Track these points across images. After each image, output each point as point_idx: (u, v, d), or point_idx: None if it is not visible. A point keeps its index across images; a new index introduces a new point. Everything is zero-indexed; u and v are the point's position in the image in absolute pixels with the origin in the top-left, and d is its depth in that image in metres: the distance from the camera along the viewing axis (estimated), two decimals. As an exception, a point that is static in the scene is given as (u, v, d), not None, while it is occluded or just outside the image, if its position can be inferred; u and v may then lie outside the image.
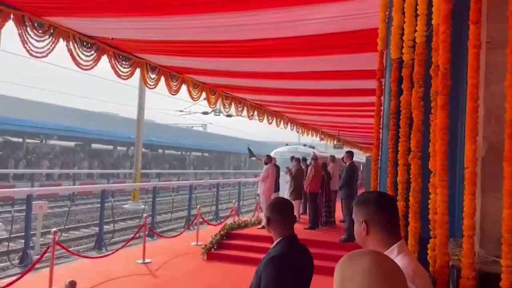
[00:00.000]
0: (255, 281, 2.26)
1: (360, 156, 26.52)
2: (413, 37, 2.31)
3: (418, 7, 2.23)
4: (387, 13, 2.77)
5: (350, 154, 9.98)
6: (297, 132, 19.18)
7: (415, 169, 2.19)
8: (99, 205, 14.64)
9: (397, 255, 1.64)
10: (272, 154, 13.78)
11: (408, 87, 2.34)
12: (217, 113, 24.63)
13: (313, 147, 23.02)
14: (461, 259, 1.82)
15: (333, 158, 12.19)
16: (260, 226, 10.31)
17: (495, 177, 1.91)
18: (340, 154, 13.89)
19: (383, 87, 2.72)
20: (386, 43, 2.74)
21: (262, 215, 10.76)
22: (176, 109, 32.41)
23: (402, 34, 2.45)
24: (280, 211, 2.37)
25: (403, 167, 2.32)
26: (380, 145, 2.69)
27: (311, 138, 22.56)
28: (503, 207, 1.64)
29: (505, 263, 1.60)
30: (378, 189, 2.68)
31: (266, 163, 10.97)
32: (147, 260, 7.88)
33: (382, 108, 2.71)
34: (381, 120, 2.70)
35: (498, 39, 1.96)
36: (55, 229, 6.67)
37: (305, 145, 24.24)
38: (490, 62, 1.96)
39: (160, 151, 46.09)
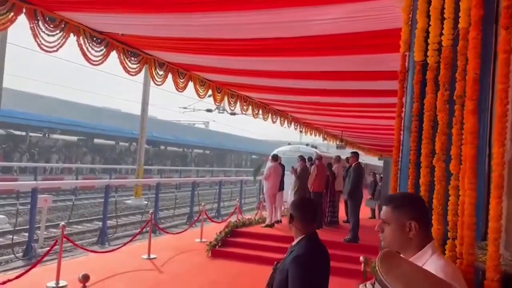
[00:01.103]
0: (279, 277, 2.30)
1: (362, 157, 26.53)
2: (439, 40, 2.33)
3: (444, 10, 2.25)
4: (410, 15, 2.79)
5: (356, 154, 9.99)
6: (300, 131, 19.17)
7: (440, 172, 2.21)
8: (101, 200, 14.73)
9: (432, 254, 1.67)
10: (276, 154, 13.80)
11: (433, 89, 2.35)
12: (221, 111, 24.62)
13: (316, 147, 23.04)
14: (485, 261, 1.84)
15: (338, 159, 12.21)
16: (264, 225, 10.33)
17: (521, 181, 1.93)
18: (343, 154, 13.91)
19: (404, 89, 2.74)
20: (409, 46, 2.76)
21: (266, 214, 10.79)
22: (179, 106, 32.35)
23: (426, 37, 2.47)
24: (305, 210, 2.43)
25: (425, 169, 2.34)
26: (401, 147, 2.71)
27: (313, 138, 22.57)
28: (530, 211, 1.66)
29: (533, 266, 1.62)
30: (398, 191, 2.70)
31: (271, 162, 11.01)
32: (152, 256, 7.92)
33: (403, 109, 2.73)
34: (402, 121, 2.72)
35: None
36: (63, 222, 6.70)
37: (307, 144, 24.29)
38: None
39: (162, 147, 46.12)
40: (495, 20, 2.25)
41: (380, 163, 31.11)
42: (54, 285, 5.91)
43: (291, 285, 2.20)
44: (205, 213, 10.51)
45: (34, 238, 9.18)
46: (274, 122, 14.99)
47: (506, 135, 1.77)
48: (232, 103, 11.72)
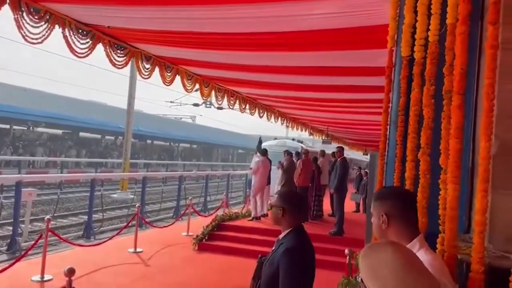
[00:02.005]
0: (269, 270, 2.31)
1: (347, 152, 26.74)
2: (425, 36, 2.35)
3: (431, 6, 2.27)
4: (397, 11, 2.81)
5: (341, 149, 10.07)
6: (287, 126, 19.22)
7: (424, 166, 2.24)
8: (86, 194, 14.58)
9: (419, 249, 1.70)
10: (266, 148, 13.83)
11: (419, 84, 2.38)
12: (208, 105, 24.53)
13: (301, 142, 23.14)
14: (469, 254, 1.88)
15: (323, 153, 12.29)
16: (250, 218, 10.37)
17: (505, 175, 1.97)
18: (328, 149, 14.01)
19: (391, 84, 2.76)
20: (396, 41, 2.78)
21: (251, 208, 10.82)
22: (166, 100, 32.15)
23: (413, 33, 2.49)
24: (296, 202, 2.45)
25: (411, 163, 2.37)
26: (387, 141, 2.74)
27: (299, 133, 22.66)
28: (514, 204, 1.69)
29: (516, 258, 1.66)
30: (383, 184, 2.74)
31: (259, 157, 11.04)
32: (138, 249, 7.89)
33: (389, 104, 2.76)
34: (389, 116, 2.75)
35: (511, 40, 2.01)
36: (48, 216, 6.62)
37: (293, 139, 24.36)
38: (504, 63, 2.01)
39: (149, 141, 45.81)
40: (480, 16, 2.28)
41: (364, 158, 31.44)
42: (39, 279, 5.85)
43: (284, 277, 2.21)
44: (192, 207, 10.49)
45: (19, 232, 9.06)
46: (261, 117, 15.00)
47: (492, 129, 1.80)
48: (219, 97, 11.69)
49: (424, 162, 2.25)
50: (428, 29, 2.33)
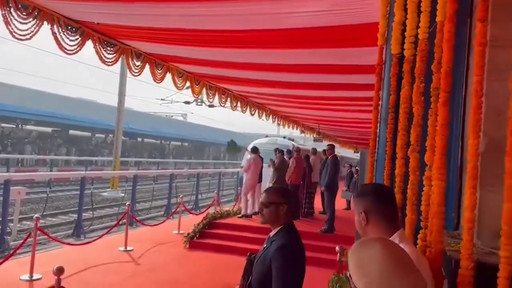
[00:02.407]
0: (261, 267, 2.30)
1: (338, 150, 26.87)
2: (415, 33, 2.36)
3: (421, 4, 2.28)
4: (387, 8, 2.81)
5: (332, 147, 10.11)
6: (278, 124, 19.22)
7: (414, 163, 2.25)
8: (76, 192, 14.48)
9: (398, 243, 1.71)
10: (257, 146, 13.84)
11: (409, 82, 2.39)
12: (199, 103, 24.45)
13: (293, 140, 23.18)
14: (458, 250, 1.89)
15: (314, 151, 12.32)
16: (240, 215, 10.37)
17: (493, 172, 1.98)
18: (319, 147, 14.06)
19: (381, 81, 2.77)
20: (386, 39, 2.79)
21: (242, 205, 10.82)
22: (157, 98, 32.01)
23: (403, 30, 2.50)
24: (290, 199, 2.44)
25: (401, 160, 2.38)
26: (377, 138, 2.75)
27: (290, 131, 22.69)
28: (502, 200, 1.70)
29: (504, 254, 1.66)
30: (373, 182, 2.74)
31: (250, 154, 11.06)
32: (129, 248, 7.85)
33: (380, 102, 2.76)
34: (379, 114, 2.75)
35: (500, 38, 2.02)
36: (37, 215, 6.55)
37: (284, 137, 24.39)
38: (492, 60, 2.02)
39: (139, 139, 45.57)
40: (470, 14, 2.29)
41: (355, 156, 31.59)
42: (28, 278, 5.80)
43: (277, 275, 2.20)
44: (183, 205, 10.46)
45: (7, 230, 8.98)
46: (252, 115, 14.97)
47: (480, 127, 1.81)
48: (210, 95, 11.65)
49: (414, 159, 2.26)
50: (418, 27, 2.34)
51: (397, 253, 1.29)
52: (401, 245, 1.72)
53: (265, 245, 2.42)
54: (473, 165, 1.79)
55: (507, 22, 1.90)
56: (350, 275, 1.31)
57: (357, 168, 14.19)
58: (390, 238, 1.74)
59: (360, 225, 1.84)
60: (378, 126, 2.77)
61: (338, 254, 5.63)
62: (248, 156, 11.14)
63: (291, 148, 14.41)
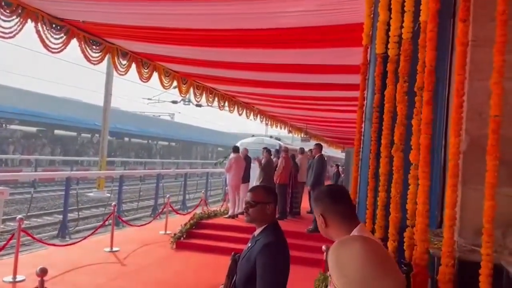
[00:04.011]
0: (246, 266, 2.29)
1: (325, 150, 27.00)
2: (399, 33, 2.38)
3: (405, 3, 2.30)
4: (372, 8, 2.83)
5: (319, 146, 10.14)
6: (266, 124, 19.24)
7: (398, 161, 2.27)
8: (62, 193, 14.28)
9: None
10: (238, 145, 13.82)
11: (393, 81, 2.41)
12: (186, 103, 24.34)
13: (279, 139, 23.20)
14: (441, 248, 1.91)
15: (302, 151, 12.35)
16: (227, 216, 10.35)
17: (474, 170, 2.01)
18: (307, 147, 14.10)
19: (366, 81, 2.78)
20: (371, 38, 2.80)
21: (229, 205, 10.81)
22: (144, 97, 31.80)
23: (387, 30, 2.52)
24: (275, 198, 2.44)
25: (385, 159, 2.40)
26: (362, 137, 2.76)
27: (278, 130, 22.72)
28: (483, 198, 1.72)
29: (485, 252, 1.69)
30: (358, 180, 2.76)
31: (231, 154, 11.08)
32: (115, 249, 7.78)
33: (365, 101, 2.78)
34: (364, 113, 2.77)
35: (482, 38, 2.05)
36: (20, 215, 6.45)
37: (271, 136, 24.38)
38: (474, 60, 2.05)
39: (126, 139, 45.19)
40: (453, 14, 2.32)
41: (342, 155, 31.75)
42: (11, 280, 5.71)
43: (262, 273, 2.19)
44: (170, 205, 10.40)
45: (-10, 232, 8.84)
46: (240, 115, 14.97)
47: (462, 125, 1.83)
48: (197, 94, 11.61)
49: (398, 158, 2.28)
50: (402, 27, 2.36)
51: (377, 252, 1.29)
52: None
53: (249, 244, 2.42)
54: (454, 163, 1.81)
55: (487, 22, 1.92)
56: (329, 274, 1.31)
57: (344, 167, 14.27)
58: (351, 234, 1.79)
59: (321, 227, 1.90)
60: (363, 125, 2.79)
61: (325, 253, 5.65)
62: (231, 155, 11.14)
63: (278, 148, 14.43)
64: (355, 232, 1.81)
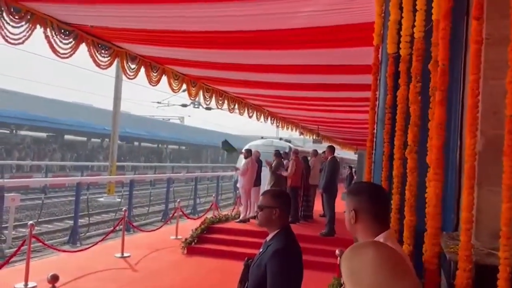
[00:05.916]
0: (256, 272, 2.26)
1: (338, 152, 26.82)
2: (411, 32, 2.33)
3: (417, 2, 2.25)
4: (383, 7, 2.79)
5: (332, 148, 10.04)
6: (277, 126, 19.17)
7: (412, 163, 2.22)
8: (72, 198, 14.37)
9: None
10: (246, 148, 13.78)
11: (405, 81, 2.36)
12: (196, 106, 24.37)
13: (290, 141, 23.04)
14: (457, 252, 1.86)
15: (315, 153, 12.25)
16: (238, 220, 10.30)
17: (491, 172, 1.95)
18: (319, 149, 13.99)
19: (378, 81, 2.74)
20: (381, 38, 2.76)
21: (241, 209, 10.76)
22: (153, 101, 31.94)
23: (399, 29, 2.47)
24: (287, 202, 2.41)
25: (398, 161, 2.34)
26: (374, 139, 2.71)
27: (289, 132, 22.62)
28: (500, 200, 1.67)
29: (503, 255, 1.63)
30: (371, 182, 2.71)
31: (245, 157, 10.96)
32: (126, 254, 7.77)
33: (377, 102, 2.73)
34: (376, 114, 2.72)
35: (496, 36, 1.99)
36: (31, 222, 6.49)
37: (281, 138, 24.25)
38: (488, 59, 1.99)
39: (136, 143, 45.42)
40: (466, 12, 2.26)
41: (355, 157, 31.53)
42: (23, 286, 5.72)
43: (272, 279, 2.15)
44: (181, 209, 10.39)
45: (2, 238, 8.90)
46: (250, 117, 14.93)
47: (477, 126, 1.78)
48: (207, 97, 11.59)
49: (412, 160, 2.23)
50: (413, 26, 2.31)
51: (391, 258, 1.24)
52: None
53: (261, 250, 2.38)
54: (470, 165, 1.76)
55: (502, 20, 1.86)
56: (343, 282, 1.27)
57: (356, 169, 14.15)
58: (375, 239, 1.73)
59: (349, 223, 1.84)
60: (375, 126, 2.74)
61: (338, 258, 5.58)
62: (244, 159, 11.06)
63: (287, 150, 14.33)
64: (381, 236, 1.75)
